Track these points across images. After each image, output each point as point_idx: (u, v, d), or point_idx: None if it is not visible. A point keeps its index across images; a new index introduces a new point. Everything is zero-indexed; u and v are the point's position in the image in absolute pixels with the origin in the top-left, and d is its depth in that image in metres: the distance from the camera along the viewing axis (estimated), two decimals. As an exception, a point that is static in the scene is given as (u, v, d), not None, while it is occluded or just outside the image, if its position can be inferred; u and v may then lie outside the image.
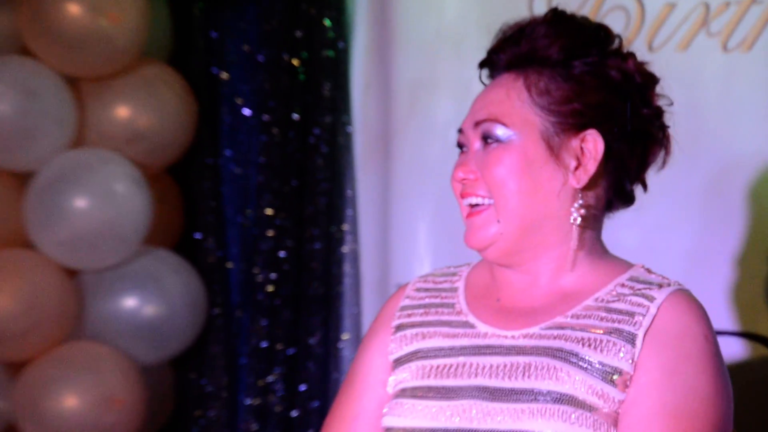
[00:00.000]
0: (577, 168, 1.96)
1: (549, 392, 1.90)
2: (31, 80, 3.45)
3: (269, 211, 3.73)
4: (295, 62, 3.74)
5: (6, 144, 3.44)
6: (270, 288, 3.71)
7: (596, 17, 3.27)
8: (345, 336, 3.69)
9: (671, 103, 2.03)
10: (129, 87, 3.56)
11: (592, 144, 1.95)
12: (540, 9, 3.42)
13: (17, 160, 3.48)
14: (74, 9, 3.44)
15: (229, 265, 3.75)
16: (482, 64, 2.04)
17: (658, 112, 2.02)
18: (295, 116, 3.74)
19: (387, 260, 3.66)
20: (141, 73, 3.58)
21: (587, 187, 1.97)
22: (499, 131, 1.97)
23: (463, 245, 2.02)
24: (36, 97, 3.44)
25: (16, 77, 3.45)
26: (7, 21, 3.48)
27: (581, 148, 1.96)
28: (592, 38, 1.99)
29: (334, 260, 3.71)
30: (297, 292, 3.71)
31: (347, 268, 3.71)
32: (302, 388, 3.68)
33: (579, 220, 1.96)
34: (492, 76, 2.04)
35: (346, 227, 3.72)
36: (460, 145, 2.03)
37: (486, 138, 1.98)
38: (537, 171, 1.95)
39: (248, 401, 3.69)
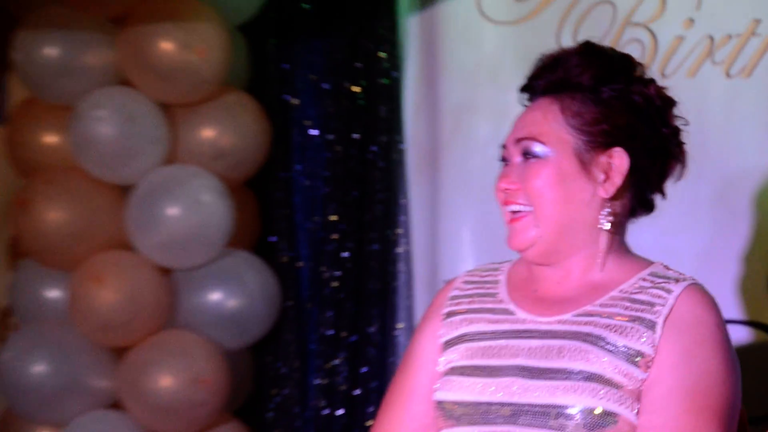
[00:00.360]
0: (605, 181, 1.96)
1: (580, 371, 1.90)
2: (131, 107, 3.46)
3: (334, 218, 3.73)
4: (356, 89, 3.74)
5: (110, 161, 3.46)
6: (335, 284, 3.70)
7: (615, 48, 3.26)
8: (399, 325, 3.68)
9: (687, 123, 2.02)
10: (213, 112, 3.56)
11: (619, 160, 1.95)
12: (566, 41, 3.42)
13: (119, 175, 3.50)
14: (167, 45, 3.45)
15: (300, 264, 3.74)
16: (523, 89, 2.05)
17: (676, 131, 2.02)
18: (356, 136, 3.73)
19: (435, 259, 3.64)
20: (223, 100, 3.58)
21: (614, 197, 1.97)
22: (537, 148, 1.97)
23: (502, 246, 2.04)
24: (135, 121, 3.45)
25: (118, 104, 3.46)
26: (110, 56, 3.49)
27: (609, 164, 1.95)
28: (618, 67, 1.99)
29: (390, 260, 3.70)
30: (358, 287, 3.70)
31: (401, 266, 3.70)
32: (363, 370, 3.67)
33: (609, 226, 1.96)
34: (531, 99, 2.04)
35: (400, 231, 3.70)
36: (504, 159, 2.03)
37: (526, 153, 1.99)
38: (570, 183, 1.96)
39: (317, 381, 3.68)
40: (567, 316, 1.96)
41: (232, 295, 3.51)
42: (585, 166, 1.95)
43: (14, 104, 3.70)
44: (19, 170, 3.60)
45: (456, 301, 2.06)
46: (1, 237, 3.81)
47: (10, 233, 3.73)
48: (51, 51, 3.45)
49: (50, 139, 3.53)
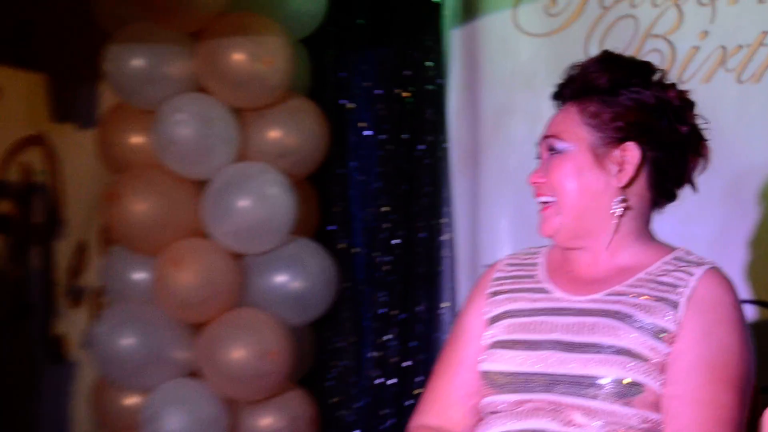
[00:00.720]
0: (618, 172, 1.94)
1: (611, 346, 1.89)
2: (207, 111, 3.47)
3: (385, 209, 3.72)
4: (405, 94, 3.73)
5: (188, 159, 3.46)
6: (386, 268, 3.70)
7: (638, 57, 3.24)
8: (444, 304, 3.66)
9: (707, 122, 2.01)
10: (279, 115, 3.56)
11: (631, 153, 1.95)
12: (593, 51, 3.39)
13: (196, 171, 3.50)
14: (239, 56, 3.45)
15: (355, 250, 3.74)
16: (553, 96, 2.05)
17: (695, 129, 2.00)
18: (405, 136, 3.72)
19: (476, 246, 3.63)
20: (288, 105, 3.57)
21: (629, 187, 1.96)
22: (558, 145, 1.98)
23: (535, 234, 2.04)
24: (210, 124, 3.45)
25: (196, 109, 3.46)
26: (189, 66, 3.50)
27: (622, 157, 1.95)
28: (634, 72, 1.99)
29: (436, 246, 3.68)
30: (407, 271, 3.69)
31: (445, 252, 3.68)
32: (412, 344, 3.66)
33: (620, 211, 1.95)
34: (561, 104, 2.03)
35: (444, 221, 3.69)
36: (540, 156, 2.03)
37: (550, 150, 1.99)
38: (586, 174, 1.95)
39: (371, 354, 3.68)
40: (598, 296, 1.95)
41: (296, 278, 3.51)
42: (600, 159, 1.95)
43: (105, 109, 3.72)
44: (109, 167, 3.61)
45: (499, 281, 2.06)
46: (94, 226, 3.85)
47: (102, 223, 3.76)
48: (137, 62, 3.46)
49: (136, 139, 3.54)
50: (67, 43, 3.81)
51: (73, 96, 3.90)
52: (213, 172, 3.48)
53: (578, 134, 1.96)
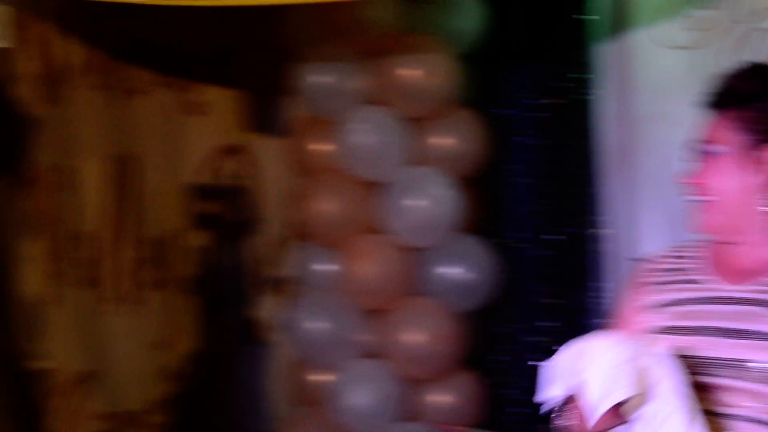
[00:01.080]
0: (766, 172, 1.95)
1: (764, 332, 1.90)
2: (383, 121, 3.55)
3: (543, 207, 3.74)
4: (558, 103, 3.73)
5: (367, 163, 3.56)
6: (545, 261, 3.72)
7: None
8: (599, 293, 3.65)
9: None
10: (445, 123, 3.62)
11: (776, 154, 1.96)
12: (728, 62, 3.34)
13: (373, 174, 3.59)
14: (409, 72, 3.53)
15: (515, 245, 3.77)
16: (706, 104, 2.05)
17: None
18: (558, 141, 3.74)
19: (628, 241, 3.60)
20: (453, 114, 3.63)
21: None
22: (711, 148, 2.00)
23: (683, 230, 2.06)
24: (386, 132, 3.54)
25: (374, 119, 3.56)
26: (366, 81, 3.59)
27: (769, 157, 1.96)
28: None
29: (589, 241, 3.68)
30: (564, 263, 3.70)
31: (599, 246, 3.68)
32: (568, 331, 3.63)
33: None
34: (713, 110, 2.05)
35: (598, 217, 3.68)
36: (690, 159, 2.06)
37: (703, 153, 2.01)
38: (736, 175, 1.97)
39: (530, 339, 3.70)
40: (752, 286, 1.96)
41: (463, 269, 3.56)
42: (749, 160, 1.95)
43: (294, 120, 3.80)
44: (299, 171, 3.72)
45: (658, 273, 2.07)
46: (287, 223, 3.91)
47: (293, 220, 3.82)
48: (323, 78, 3.57)
49: (322, 146, 3.64)
50: (261, 63, 3.93)
51: (267, 109, 4.02)
52: (387, 175, 3.56)
53: (729, 138, 1.97)
